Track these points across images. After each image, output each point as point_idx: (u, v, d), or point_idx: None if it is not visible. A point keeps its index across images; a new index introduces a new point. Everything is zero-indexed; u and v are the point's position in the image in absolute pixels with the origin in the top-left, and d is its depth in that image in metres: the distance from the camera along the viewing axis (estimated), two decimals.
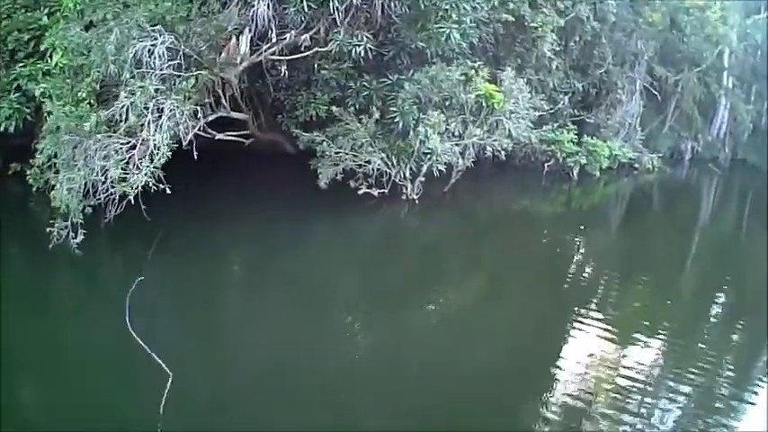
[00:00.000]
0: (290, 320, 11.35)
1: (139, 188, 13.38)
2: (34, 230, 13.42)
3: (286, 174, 18.81)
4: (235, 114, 17.47)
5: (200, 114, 15.14)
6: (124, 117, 13.74)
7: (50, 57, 15.66)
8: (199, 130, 16.00)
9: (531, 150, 24.45)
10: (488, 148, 18.98)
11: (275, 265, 14.51)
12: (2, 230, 13.91)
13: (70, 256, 12.97)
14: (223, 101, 16.70)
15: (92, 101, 14.56)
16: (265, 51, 16.81)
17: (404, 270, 15.09)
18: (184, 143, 14.62)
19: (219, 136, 17.14)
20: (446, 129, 17.96)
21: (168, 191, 13.42)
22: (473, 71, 18.39)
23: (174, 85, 14.57)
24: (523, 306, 13.22)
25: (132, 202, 13.47)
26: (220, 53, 16.27)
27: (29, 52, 16.53)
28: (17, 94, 16.28)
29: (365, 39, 16.44)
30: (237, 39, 16.63)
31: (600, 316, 12.71)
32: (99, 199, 13.70)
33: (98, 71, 14.25)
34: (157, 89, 14.05)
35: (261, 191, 18.77)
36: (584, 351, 11.01)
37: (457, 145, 18.36)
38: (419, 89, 17.68)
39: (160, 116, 13.91)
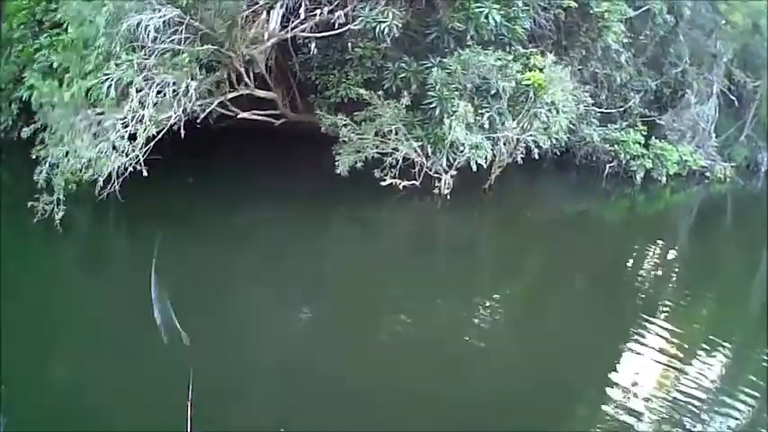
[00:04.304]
0: (304, 319, 10.14)
1: (115, 170, 11.79)
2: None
3: (318, 157, 16.09)
4: (260, 93, 15.00)
5: (193, 91, 12.54)
6: (109, 92, 11.70)
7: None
8: (219, 107, 13.83)
9: (593, 149, 21.09)
10: (521, 143, 15.66)
11: (289, 258, 12.12)
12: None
13: (55, 231, 11.26)
14: (246, 78, 14.22)
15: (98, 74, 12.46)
16: (294, 28, 14.29)
17: (436, 271, 12.59)
18: (181, 119, 12.52)
19: (242, 115, 14.78)
20: (476, 119, 14.69)
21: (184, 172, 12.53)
22: (511, 57, 15.10)
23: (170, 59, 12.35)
24: (571, 313, 11.07)
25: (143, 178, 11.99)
26: (243, 28, 13.87)
27: (54, 23, 14.79)
28: (39, 65, 14.54)
29: (392, 15, 13.65)
30: (268, 14, 14.25)
31: (658, 329, 10.59)
32: (95, 176, 11.88)
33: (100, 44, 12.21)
34: (151, 63, 11.91)
35: (288, 174, 16.28)
36: (641, 362, 9.53)
37: (488, 138, 15.01)
38: (448, 74, 14.55)
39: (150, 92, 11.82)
